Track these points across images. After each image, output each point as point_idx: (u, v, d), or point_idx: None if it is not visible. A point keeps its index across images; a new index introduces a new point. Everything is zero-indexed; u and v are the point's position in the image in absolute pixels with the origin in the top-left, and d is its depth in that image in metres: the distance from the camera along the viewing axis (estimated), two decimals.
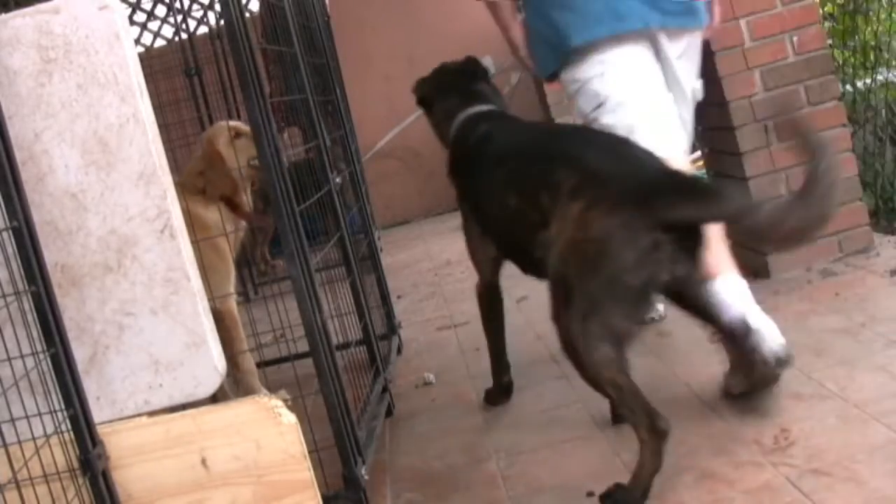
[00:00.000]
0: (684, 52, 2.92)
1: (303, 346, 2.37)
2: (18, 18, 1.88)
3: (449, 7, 7.11)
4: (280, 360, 3.12)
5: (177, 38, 5.74)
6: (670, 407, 2.52)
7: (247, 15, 2.34)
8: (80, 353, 1.84)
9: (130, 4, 5.64)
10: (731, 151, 3.50)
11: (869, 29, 4.47)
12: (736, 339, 2.31)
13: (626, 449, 2.32)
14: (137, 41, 6.27)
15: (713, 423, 2.37)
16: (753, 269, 3.51)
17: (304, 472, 1.88)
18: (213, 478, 1.88)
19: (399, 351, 3.64)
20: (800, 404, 2.35)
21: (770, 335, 2.38)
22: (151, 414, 1.93)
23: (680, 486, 2.10)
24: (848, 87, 4.26)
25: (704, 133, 3.88)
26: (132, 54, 1.90)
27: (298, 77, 2.83)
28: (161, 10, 6.20)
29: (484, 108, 2.77)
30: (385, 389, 3.03)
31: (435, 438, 2.77)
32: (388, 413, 3.00)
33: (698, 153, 5.69)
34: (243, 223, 3.21)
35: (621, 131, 2.59)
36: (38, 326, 1.73)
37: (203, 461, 1.88)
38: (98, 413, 1.85)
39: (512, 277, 2.72)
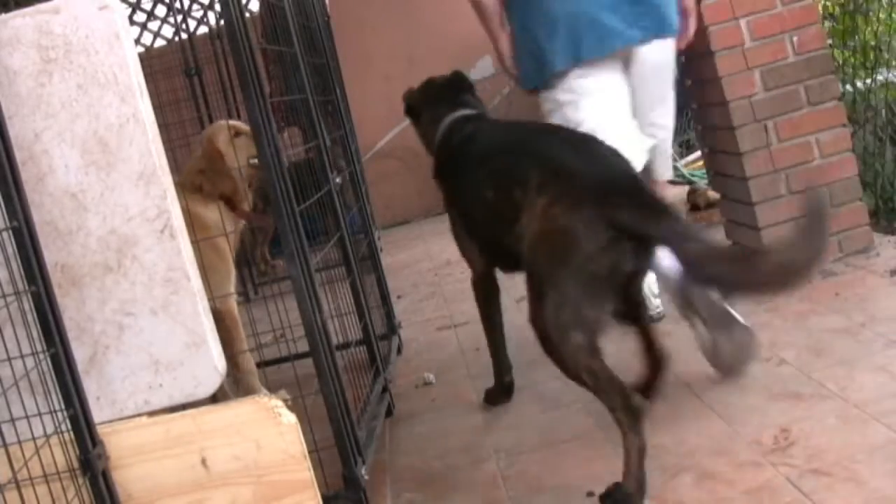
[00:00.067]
0: (658, 58, 3.03)
1: (303, 346, 2.37)
2: (18, 18, 1.88)
3: (449, 7, 7.10)
4: (280, 360, 3.12)
5: (177, 38, 5.74)
6: (670, 407, 2.53)
7: (247, 15, 2.34)
8: (80, 353, 1.84)
9: (130, 4, 5.64)
10: (731, 151, 3.49)
11: (869, 29, 4.47)
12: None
13: None
14: (137, 41, 6.27)
15: (713, 423, 2.37)
16: None
17: (304, 472, 1.88)
18: (213, 478, 1.88)
19: (399, 351, 3.64)
20: (800, 404, 2.35)
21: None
22: (151, 414, 1.93)
23: (680, 486, 2.10)
24: (848, 87, 4.26)
25: (704, 133, 3.88)
26: (132, 54, 1.90)
27: (298, 77, 2.83)
28: (161, 10, 6.21)
29: (468, 112, 2.88)
30: (385, 389, 3.03)
31: (435, 438, 2.77)
32: (388, 413, 3.00)
33: (698, 153, 5.70)
34: (242, 222, 3.21)
35: None
36: (38, 326, 1.73)
37: (203, 461, 1.88)
38: (98, 413, 1.85)
39: (512, 277, 2.72)
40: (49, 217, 1.89)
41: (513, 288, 3.21)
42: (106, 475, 1.82)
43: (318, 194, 2.71)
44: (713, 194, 4.54)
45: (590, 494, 2.14)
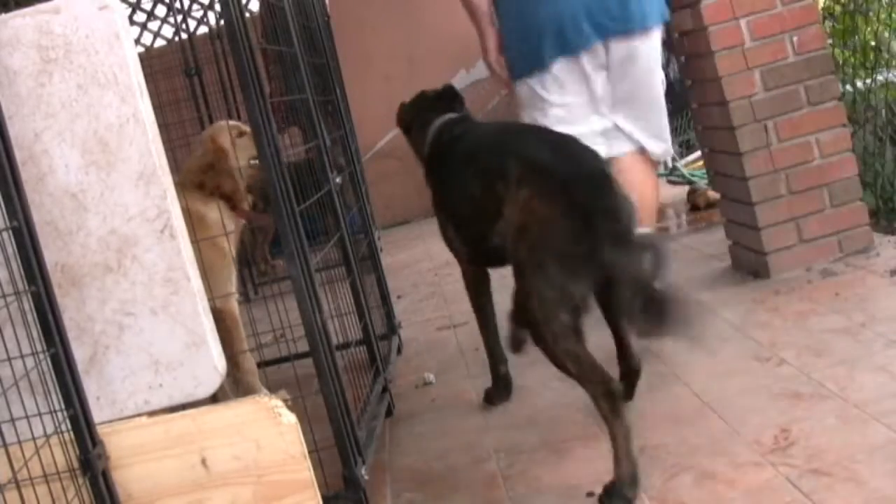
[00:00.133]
0: (634, 53, 3.14)
1: (303, 346, 2.37)
2: (18, 18, 1.88)
3: (449, 7, 7.07)
4: (280, 360, 3.12)
5: (177, 38, 5.74)
6: (670, 407, 2.53)
7: (247, 15, 2.34)
8: (80, 353, 1.84)
9: (130, 4, 5.64)
10: (731, 151, 3.49)
11: (869, 29, 4.47)
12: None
13: None
14: (137, 41, 6.27)
15: (713, 423, 2.37)
16: (754, 269, 3.51)
17: (304, 472, 1.88)
18: (213, 478, 1.88)
19: (399, 351, 3.64)
20: (800, 404, 2.35)
21: None
22: (151, 414, 1.93)
23: (680, 486, 2.10)
24: (848, 87, 4.26)
25: (704, 133, 3.88)
26: (132, 54, 1.90)
27: (298, 77, 2.83)
28: (161, 10, 6.21)
29: (456, 115, 2.99)
30: (385, 389, 3.03)
31: (435, 438, 2.77)
32: (388, 413, 3.00)
33: (698, 153, 5.70)
34: (242, 222, 3.22)
35: None
36: (38, 326, 1.73)
37: (203, 461, 1.88)
38: (98, 413, 1.85)
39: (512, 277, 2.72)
40: (49, 217, 1.89)
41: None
42: (106, 475, 1.82)
43: (318, 194, 2.71)
44: (713, 194, 4.54)
45: (590, 494, 2.14)
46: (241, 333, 3.02)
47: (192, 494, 1.88)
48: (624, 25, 3.10)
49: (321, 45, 3.49)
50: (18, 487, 1.63)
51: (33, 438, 1.76)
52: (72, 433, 1.76)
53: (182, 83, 5.41)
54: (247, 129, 2.89)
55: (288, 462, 1.88)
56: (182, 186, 2.57)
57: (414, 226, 7.10)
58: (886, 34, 4.41)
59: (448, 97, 3.09)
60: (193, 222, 2.24)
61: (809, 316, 2.96)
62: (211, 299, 2.06)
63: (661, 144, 3.30)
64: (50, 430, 1.75)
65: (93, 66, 1.87)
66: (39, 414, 1.77)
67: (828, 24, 4.46)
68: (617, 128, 3.22)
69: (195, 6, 6.08)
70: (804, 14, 3.42)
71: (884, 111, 4.27)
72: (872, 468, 1.95)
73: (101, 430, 1.83)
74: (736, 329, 3.00)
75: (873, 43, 4.43)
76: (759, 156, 3.43)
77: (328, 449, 2.24)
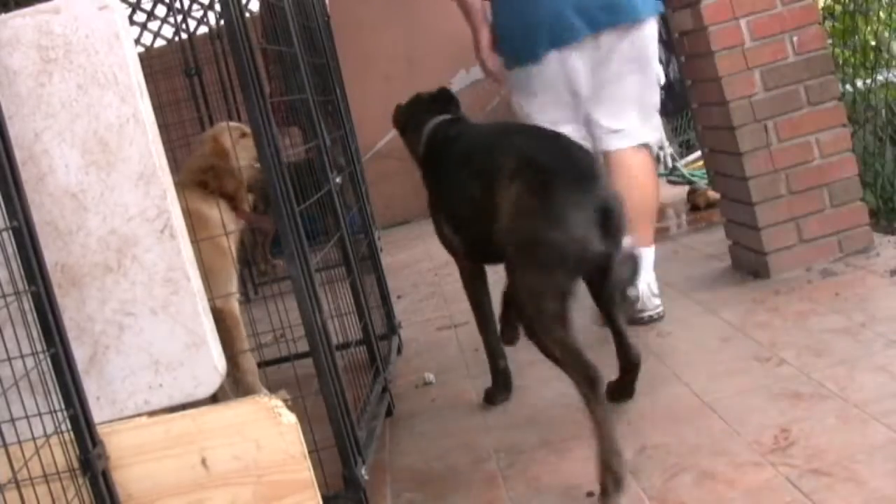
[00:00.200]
0: (625, 45, 3.22)
1: (303, 346, 2.37)
2: (18, 18, 1.88)
3: (448, 7, 7.08)
4: (280, 360, 3.12)
5: (177, 38, 5.74)
6: (670, 407, 2.53)
7: (247, 15, 2.34)
8: (80, 353, 1.84)
9: (130, 4, 5.63)
10: (731, 151, 3.49)
11: (869, 29, 4.47)
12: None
13: (627, 448, 2.32)
14: (137, 41, 6.27)
15: (713, 423, 2.37)
16: (754, 269, 3.51)
17: (304, 472, 1.88)
18: (213, 478, 1.88)
19: (399, 351, 3.64)
20: (800, 404, 2.35)
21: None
22: (151, 414, 1.93)
23: (680, 486, 2.10)
24: (848, 87, 4.26)
25: (704, 133, 3.88)
26: (132, 54, 1.90)
27: (298, 77, 2.83)
28: (161, 10, 6.21)
29: (449, 116, 3.05)
30: (385, 389, 3.03)
31: (435, 438, 2.77)
32: (388, 413, 3.00)
33: (698, 153, 5.70)
34: (242, 222, 3.22)
35: None
36: (38, 326, 1.73)
37: (203, 461, 1.88)
38: (98, 413, 1.85)
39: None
40: (49, 217, 1.89)
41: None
42: (106, 475, 1.82)
43: (318, 194, 2.71)
44: (713, 194, 4.54)
45: (590, 494, 2.14)
46: (241, 333, 3.02)
47: (192, 494, 1.88)
48: (615, 17, 3.17)
49: (321, 45, 3.49)
50: (18, 487, 1.63)
51: (33, 438, 1.76)
52: (72, 433, 1.76)
53: (182, 83, 5.41)
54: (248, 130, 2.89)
55: (288, 462, 1.88)
56: (183, 186, 2.58)
57: (414, 226, 7.09)
58: (886, 34, 4.41)
59: (443, 99, 3.14)
60: (195, 222, 2.24)
61: (809, 316, 2.96)
62: (211, 299, 2.06)
63: (651, 133, 3.39)
64: (50, 430, 1.75)
65: (93, 66, 1.87)
66: (39, 414, 1.77)
67: (828, 24, 4.46)
68: (603, 124, 3.29)
69: (195, 6, 6.08)
70: (804, 14, 3.42)
71: (884, 111, 4.27)
72: (872, 468, 1.95)
73: (101, 430, 1.83)
74: (736, 329, 3.00)
75: (873, 43, 4.43)
76: (759, 156, 3.43)
77: (328, 449, 2.24)
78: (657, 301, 3.28)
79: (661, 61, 4.84)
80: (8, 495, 1.60)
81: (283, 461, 1.88)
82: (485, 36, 3.35)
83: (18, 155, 1.79)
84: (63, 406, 1.75)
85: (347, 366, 2.69)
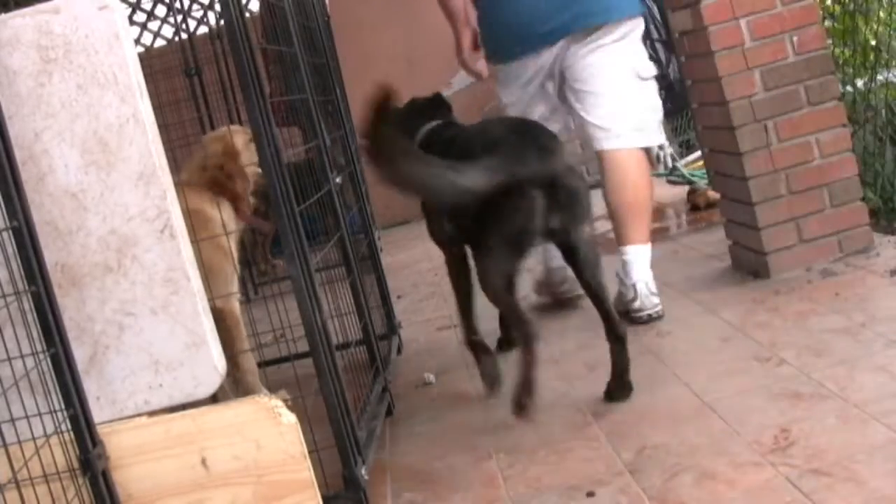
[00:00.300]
0: (606, 44, 3.28)
1: (303, 346, 2.37)
2: (18, 18, 1.88)
3: None
4: (280, 360, 3.11)
5: (177, 38, 5.74)
6: (670, 407, 2.53)
7: (247, 15, 2.34)
8: (80, 353, 1.84)
9: (130, 4, 5.63)
10: (731, 151, 3.49)
11: (869, 29, 4.47)
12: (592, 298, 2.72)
13: (627, 448, 2.32)
14: (137, 41, 6.27)
15: (713, 423, 2.37)
16: (754, 269, 3.51)
17: (304, 472, 1.89)
18: (213, 478, 1.88)
19: (399, 351, 3.64)
20: (800, 404, 2.35)
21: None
22: (151, 414, 1.93)
23: (680, 486, 2.10)
24: (848, 87, 4.26)
25: (704, 133, 3.88)
26: (132, 54, 1.90)
27: (298, 77, 2.83)
28: (161, 10, 6.21)
29: (441, 121, 3.15)
30: (385, 389, 3.03)
31: (435, 438, 2.77)
32: (388, 413, 2.99)
33: (698, 153, 5.70)
34: (243, 223, 3.22)
35: None
36: (38, 326, 1.73)
37: (203, 461, 1.88)
38: (98, 413, 1.85)
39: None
40: (49, 217, 1.89)
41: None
42: (106, 475, 1.82)
43: (318, 194, 2.71)
44: (713, 194, 4.54)
45: (590, 494, 2.14)
46: (241, 333, 3.01)
47: (192, 494, 1.88)
48: (596, 17, 3.25)
49: (321, 45, 3.49)
50: (18, 487, 1.63)
51: (33, 438, 1.76)
52: (72, 433, 1.77)
53: (182, 83, 5.40)
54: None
55: (288, 462, 1.88)
56: (190, 185, 2.57)
57: (414, 226, 7.08)
58: (886, 34, 4.41)
59: (436, 104, 3.23)
60: (198, 222, 2.24)
61: (809, 316, 2.96)
62: (211, 299, 2.06)
63: (648, 137, 3.42)
64: (50, 430, 1.75)
65: (92, 66, 1.87)
66: (39, 414, 1.77)
67: (828, 23, 4.45)
68: (590, 122, 3.34)
69: (195, 6, 6.07)
70: (804, 14, 3.41)
71: (884, 111, 4.27)
72: (872, 468, 1.95)
73: (101, 430, 1.84)
74: (736, 329, 3.00)
75: (873, 43, 4.43)
76: (759, 156, 3.43)
77: (328, 449, 2.24)
78: (656, 300, 3.28)
79: (661, 61, 4.85)
80: (8, 495, 1.60)
81: (283, 461, 1.88)
82: (466, 37, 3.48)
83: (18, 155, 1.79)
84: (63, 406, 1.75)
85: (347, 366, 2.69)
